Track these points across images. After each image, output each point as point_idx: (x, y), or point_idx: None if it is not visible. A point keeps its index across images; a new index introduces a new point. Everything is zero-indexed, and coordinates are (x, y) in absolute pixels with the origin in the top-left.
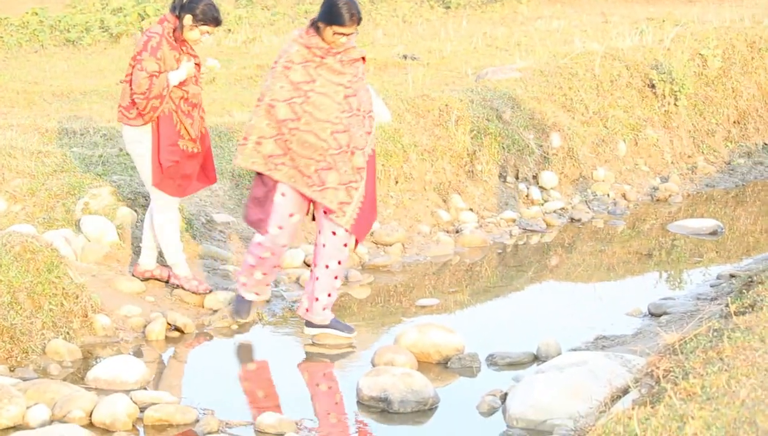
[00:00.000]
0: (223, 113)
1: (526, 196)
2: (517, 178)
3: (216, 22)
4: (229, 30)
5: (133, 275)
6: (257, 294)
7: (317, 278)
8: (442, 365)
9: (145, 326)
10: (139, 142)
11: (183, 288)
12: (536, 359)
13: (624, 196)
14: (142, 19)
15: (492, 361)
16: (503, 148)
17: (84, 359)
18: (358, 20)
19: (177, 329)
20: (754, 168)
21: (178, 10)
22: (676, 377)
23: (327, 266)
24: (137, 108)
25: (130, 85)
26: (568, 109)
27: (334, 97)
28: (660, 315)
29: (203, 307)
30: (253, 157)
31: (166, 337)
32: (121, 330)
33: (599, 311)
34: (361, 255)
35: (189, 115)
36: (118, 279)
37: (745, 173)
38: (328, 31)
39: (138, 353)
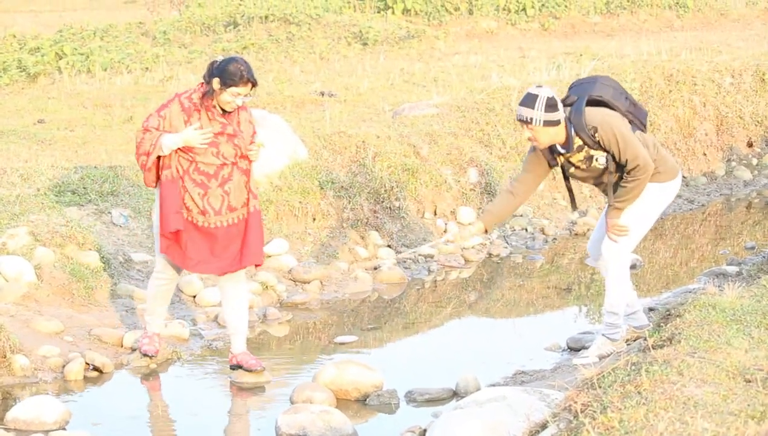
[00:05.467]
0: None
1: (444, 232)
2: (435, 214)
3: (244, 81)
4: (147, 68)
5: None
6: None
7: None
8: (361, 402)
9: (63, 366)
10: (154, 211)
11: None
12: (455, 394)
13: (542, 230)
14: (60, 59)
15: (411, 397)
16: (421, 184)
17: (3, 400)
18: None
19: (96, 368)
20: (672, 202)
21: (208, 76)
22: (594, 412)
23: None
24: None
25: None
26: (486, 145)
27: None
28: (578, 350)
29: (122, 346)
30: None
31: (85, 377)
32: (40, 370)
33: (518, 346)
34: (279, 293)
35: (201, 186)
36: (36, 319)
37: None
38: None
39: (57, 394)
